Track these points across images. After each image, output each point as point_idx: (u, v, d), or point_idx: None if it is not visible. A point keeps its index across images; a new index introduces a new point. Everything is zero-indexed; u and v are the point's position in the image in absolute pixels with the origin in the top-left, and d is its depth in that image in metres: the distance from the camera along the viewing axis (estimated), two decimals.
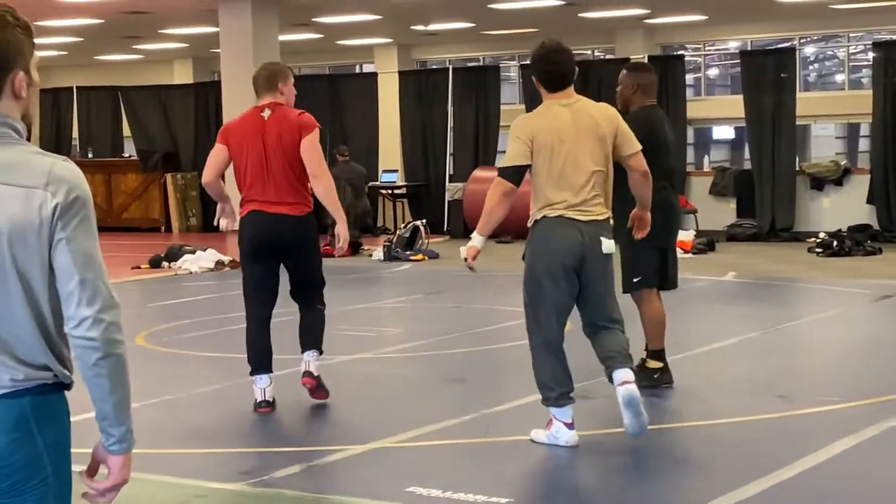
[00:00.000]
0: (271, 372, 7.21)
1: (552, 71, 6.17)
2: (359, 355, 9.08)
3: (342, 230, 7.10)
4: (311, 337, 7.31)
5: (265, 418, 7.19)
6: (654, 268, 7.49)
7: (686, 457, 6.26)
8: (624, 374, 6.02)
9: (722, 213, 18.82)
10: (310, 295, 7.29)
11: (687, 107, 19.99)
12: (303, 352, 7.33)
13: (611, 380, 6.12)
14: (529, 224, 6.21)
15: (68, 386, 2.73)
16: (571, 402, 6.22)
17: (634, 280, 7.47)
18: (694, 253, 16.05)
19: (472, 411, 7.05)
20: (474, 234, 6.26)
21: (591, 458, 6.23)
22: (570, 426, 6.19)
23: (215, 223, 7.60)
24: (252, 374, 7.21)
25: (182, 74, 28.69)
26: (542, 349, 6.19)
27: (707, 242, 16.62)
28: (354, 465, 6.07)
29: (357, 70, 27.87)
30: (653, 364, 7.50)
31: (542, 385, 6.24)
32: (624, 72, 7.61)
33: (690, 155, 24.18)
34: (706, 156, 23.94)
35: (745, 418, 6.88)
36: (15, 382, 2.63)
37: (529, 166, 6.10)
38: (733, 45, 25.22)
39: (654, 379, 7.45)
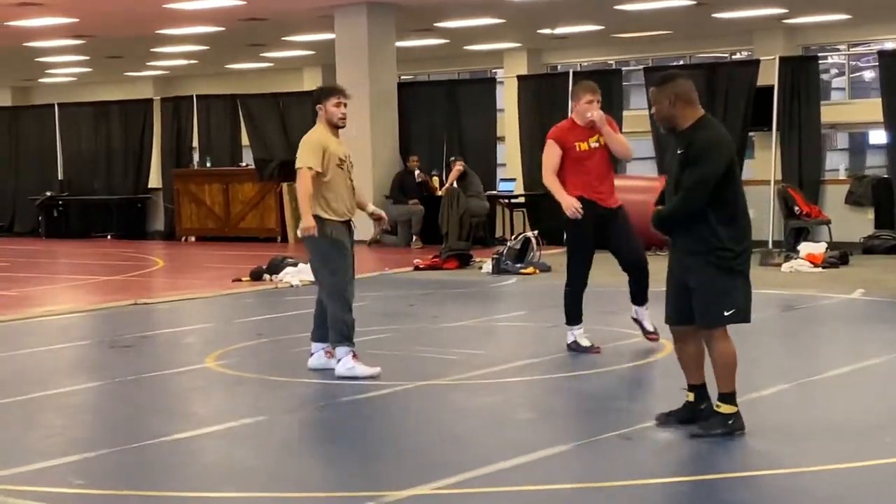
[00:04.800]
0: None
1: None
2: (436, 381, 8.39)
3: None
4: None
5: (308, 453, 6.62)
6: (748, 301, 6.55)
7: None
8: (342, 352, 8.40)
9: (858, 224, 17.55)
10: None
11: (833, 110, 18.84)
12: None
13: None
14: (314, 215, 8.36)
15: None
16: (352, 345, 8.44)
17: (726, 313, 6.41)
18: (824, 267, 15.01)
19: (531, 451, 6.32)
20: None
21: None
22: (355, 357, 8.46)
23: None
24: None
25: (311, 82, 28.50)
26: (336, 298, 8.38)
27: (840, 255, 15.50)
28: None
29: (487, 76, 27.35)
30: (727, 409, 6.47)
31: (339, 323, 8.37)
32: (652, 89, 6.59)
33: (834, 161, 23.03)
34: (842, 164, 22.80)
35: (844, 465, 6.00)
36: None
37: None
38: (889, 45, 24.01)
39: (729, 426, 6.45)
